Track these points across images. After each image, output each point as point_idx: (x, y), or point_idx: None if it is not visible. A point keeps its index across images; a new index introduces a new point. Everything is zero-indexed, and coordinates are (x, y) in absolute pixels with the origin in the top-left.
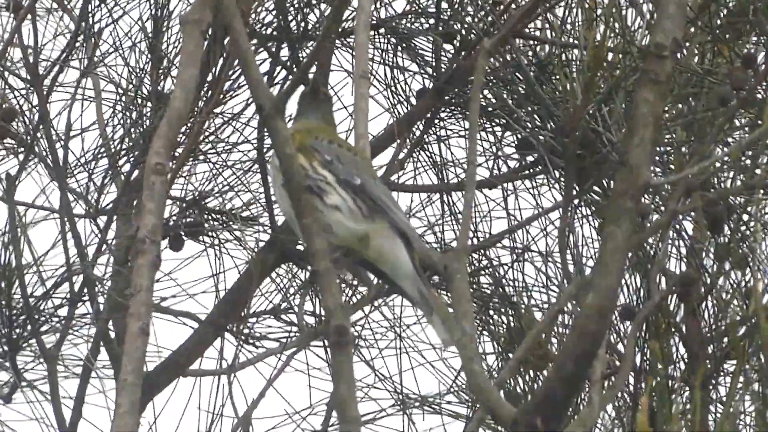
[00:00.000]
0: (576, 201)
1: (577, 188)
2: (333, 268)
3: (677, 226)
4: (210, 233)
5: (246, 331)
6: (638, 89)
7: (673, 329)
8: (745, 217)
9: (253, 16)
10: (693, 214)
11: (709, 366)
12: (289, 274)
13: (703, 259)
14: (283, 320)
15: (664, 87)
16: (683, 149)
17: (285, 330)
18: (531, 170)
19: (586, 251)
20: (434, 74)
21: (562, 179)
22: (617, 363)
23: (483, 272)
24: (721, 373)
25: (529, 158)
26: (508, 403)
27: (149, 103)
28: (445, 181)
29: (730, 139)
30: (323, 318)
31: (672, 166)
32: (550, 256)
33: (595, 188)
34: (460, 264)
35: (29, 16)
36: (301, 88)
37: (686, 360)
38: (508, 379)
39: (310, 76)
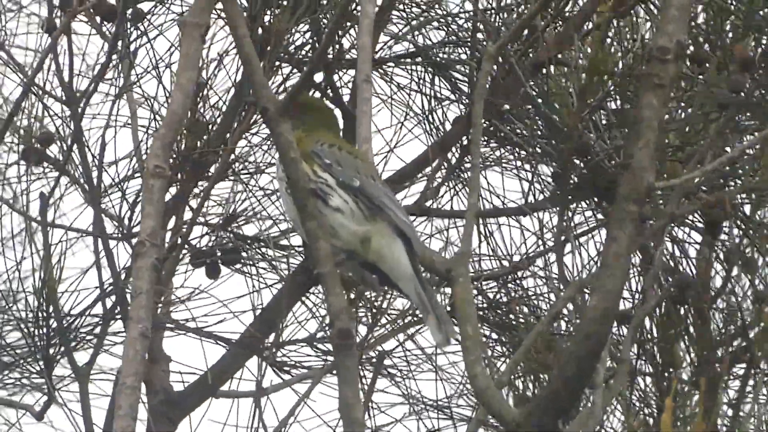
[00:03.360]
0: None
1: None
2: (336, 270)
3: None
4: (247, 261)
5: (280, 358)
6: (641, 93)
7: (682, 332)
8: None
9: (287, 38)
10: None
11: (717, 369)
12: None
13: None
14: (318, 349)
15: (667, 91)
16: (680, 152)
17: (321, 358)
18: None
19: (583, 252)
20: (468, 102)
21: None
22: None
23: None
24: (731, 377)
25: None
26: (510, 406)
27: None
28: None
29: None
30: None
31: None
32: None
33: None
34: (463, 268)
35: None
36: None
37: (695, 363)
38: (507, 380)
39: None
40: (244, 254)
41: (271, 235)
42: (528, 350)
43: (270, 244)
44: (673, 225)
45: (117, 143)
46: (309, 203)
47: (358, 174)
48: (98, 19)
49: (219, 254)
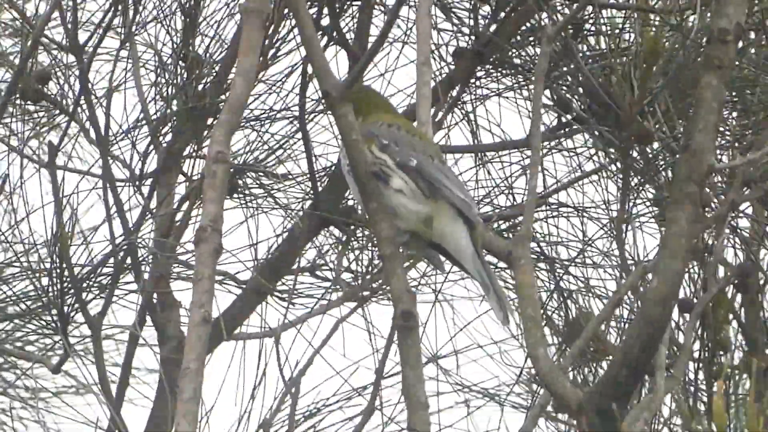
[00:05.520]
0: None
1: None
2: (399, 252)
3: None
4: (245, 191)
5: (283, 288)
6: (702, 75)
7: (732, 317)
8: None
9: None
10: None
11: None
12: (325, 232)
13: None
14: (319, 277)
15: (727, 72)
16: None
17: (322, 287)
18: (568, 129)
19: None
20: (472, 35)
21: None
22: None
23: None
24: None
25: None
26: (573, 388)
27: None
28: (480, 141)
29: None
30: (360, 279)
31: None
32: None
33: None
34: (524, 250)
35: None
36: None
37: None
38: (569, 366)
39: None
40: (240, 182)
41: (268, 165)
42: (590, 338)
43: (269, 174)
44: (734, 213)
45: (126, 91)
46: (370, 184)
47: (415, 153)
48: None
49: None
